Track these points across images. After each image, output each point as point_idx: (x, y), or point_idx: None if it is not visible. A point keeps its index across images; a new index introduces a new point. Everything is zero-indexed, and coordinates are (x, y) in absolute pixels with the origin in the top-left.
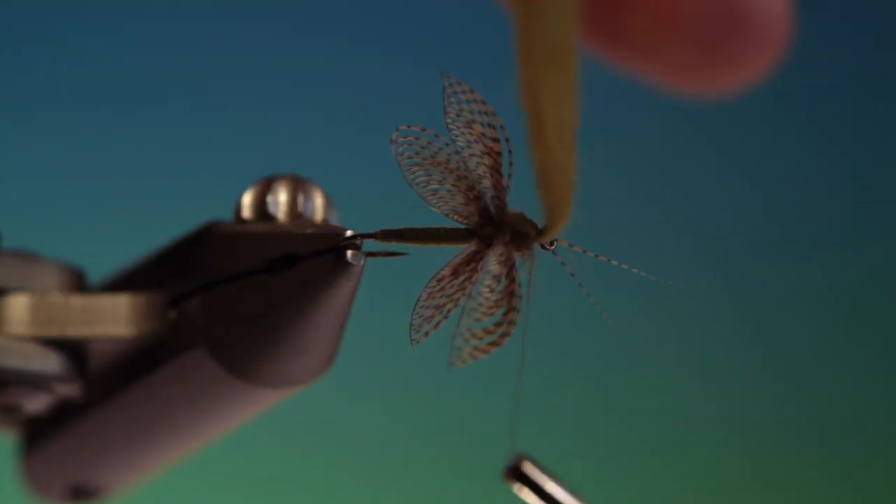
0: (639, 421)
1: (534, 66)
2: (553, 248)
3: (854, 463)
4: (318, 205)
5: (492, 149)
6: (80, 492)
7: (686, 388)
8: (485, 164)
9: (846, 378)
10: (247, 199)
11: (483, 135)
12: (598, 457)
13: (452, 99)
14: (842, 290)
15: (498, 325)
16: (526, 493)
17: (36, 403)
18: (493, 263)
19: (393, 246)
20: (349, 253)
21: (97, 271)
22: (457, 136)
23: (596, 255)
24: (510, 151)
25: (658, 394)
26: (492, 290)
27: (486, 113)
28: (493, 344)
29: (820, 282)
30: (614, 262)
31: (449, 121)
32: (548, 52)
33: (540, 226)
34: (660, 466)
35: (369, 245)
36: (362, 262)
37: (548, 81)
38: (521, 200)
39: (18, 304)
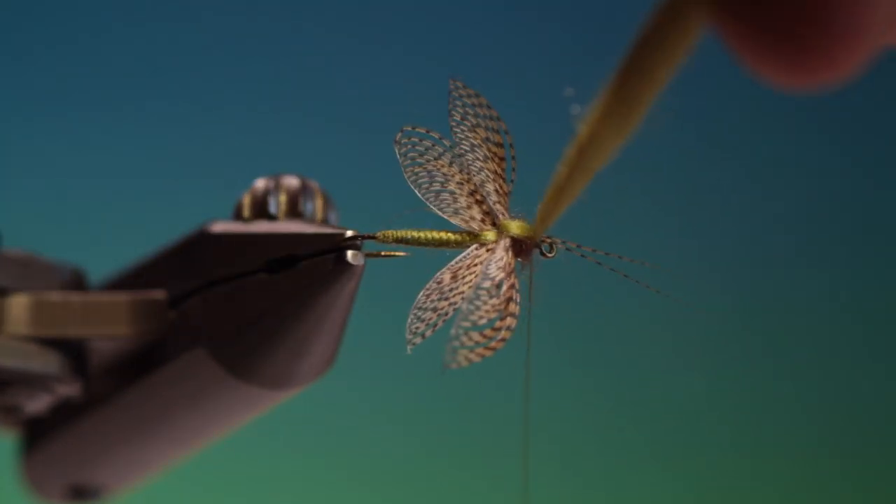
0: (643, 423)
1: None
2: (553, 255)
3: (855, 465)
4: (318, 205)
5: (495, 154)
6: (80, 492)
7: (689, 391)
8: (487, 169)
9: (850, 380)
10: (247, 199)
11: (487, 139)
12: (603, 459)
13: (458, 103)
14: (845, 290)
15: (496, 329)
16: None
17: (36, 403)
18: (492, 268)
19: (393, 247)
20: (349, 253)
21: (97, 271)
22: (461, 139)
23: (606, 254)
24: (513, 157)
25: (662, 396)
26: (490, 295)
27: (490, 118)
28: (489, 348)
29: (823, 284)
30: (619, 259)
31: (453, 124)
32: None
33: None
34: (662, 468)
35: (369, 245)
36: (362, 262)
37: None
38: (523, 206)
39: (18, 304)
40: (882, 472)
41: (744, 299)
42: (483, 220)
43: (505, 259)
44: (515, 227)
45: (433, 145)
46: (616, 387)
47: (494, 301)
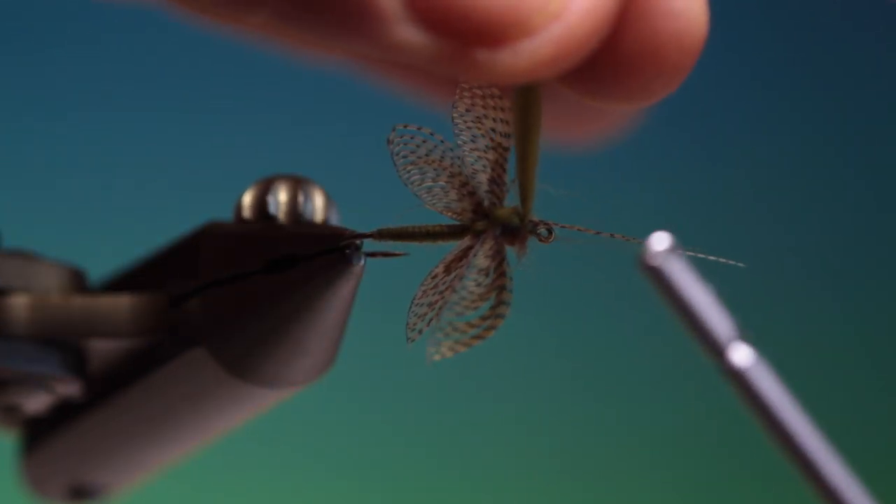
0: (638, 416)
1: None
2: (551, 239)
3: (854, 465)
4: (318, 205)
5: (500, 144)
6: (80, 492)
7: (686, 383)
8: (487, 159)
9: (852, 379)
10: (247, 199)
11: (493, 129)
12: (597, 453)
13: (466, 93)
14: (849, 288)
15: (484, 318)
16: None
17: (36, 403)
18: (480, 257)
19: (393, 246)
20: (349, 253)
21: (97, 271)
22: (462, 129)
23: (597, 233)
24: None
25: (658, 387)
26: (478, 284)
27: (501, 108)
28: (476, 337)
29: (826, 281)
30: (618, 237)
31: (456, 114)
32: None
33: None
34: (655, 464)
35: (369, 245)
36: (362, 262)
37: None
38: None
39: (18, 304)
40: (882, 473)
41: (746, 294)
42: (475, 212)
43: (494, 247)
44: (505, 214)
45: (424, 141)
46: (616, 381)
47: (481, 290)
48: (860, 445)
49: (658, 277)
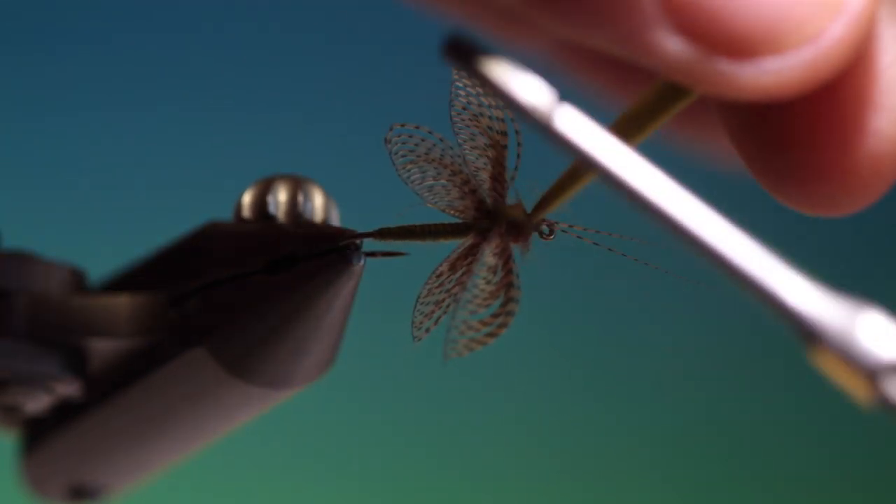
0: (638, 416)
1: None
2: (552, 236)
3: (853, 465)
4: (318, 205)
5: (497, 141)
6: (80, 492)
7: (686, 382)
8: (487, 156)
9: None
10: (247, 199)
11: (490, 128)
12: (597, 453)
13: (461, 92)
14: (850, 283)
15: (495, 316)
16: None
17: (36, 403)
18: (488, 255)
19: (393, 245)
20: (349, 253)
21: (97, 271)
22: (460, 128)
23: (597, 231)
24: (519, 144)
25: (658, 387)
26: (488, 282)
27: (496, 107)
28: (490, 335)
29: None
30: (617, 244)
31: (454, 113)
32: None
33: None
34: (655, 464)
35: (369, 245)
36: (362, 262)
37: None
38: (527, 192)
39: (18, 304)
40: (881, 474)
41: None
42: (478, 209)
43: (501, 245)
44: (510, 211)
45: (423, 140)
46: (616, 381)
47: (492, 288)
48: (859, 445)
49: (468, 65)
